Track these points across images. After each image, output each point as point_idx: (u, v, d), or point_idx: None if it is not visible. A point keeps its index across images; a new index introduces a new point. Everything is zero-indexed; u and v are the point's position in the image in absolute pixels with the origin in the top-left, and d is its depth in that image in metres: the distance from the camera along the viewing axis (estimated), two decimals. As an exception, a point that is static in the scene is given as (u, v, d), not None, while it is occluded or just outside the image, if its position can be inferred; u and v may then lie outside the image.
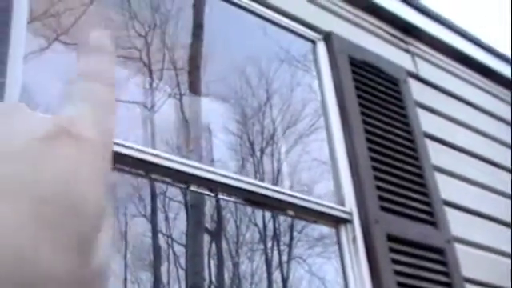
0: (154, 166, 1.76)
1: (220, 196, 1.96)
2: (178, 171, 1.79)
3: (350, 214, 2.09)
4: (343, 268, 2.02)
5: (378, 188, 2.18)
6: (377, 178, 2.20)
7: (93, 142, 0.26)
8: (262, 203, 2.04)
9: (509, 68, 3.33)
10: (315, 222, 2.16)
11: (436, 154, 2.50)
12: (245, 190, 1.91)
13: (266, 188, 1.97)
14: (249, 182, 1.94)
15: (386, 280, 1.98)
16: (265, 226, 6.93)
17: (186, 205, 6.87)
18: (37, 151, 0.24)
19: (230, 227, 7.19)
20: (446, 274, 2.14)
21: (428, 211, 2.26)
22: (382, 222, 2.10)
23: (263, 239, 6.80)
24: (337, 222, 2.09)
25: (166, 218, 6.54)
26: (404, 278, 2.02)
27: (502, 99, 3.30)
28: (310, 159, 2.58)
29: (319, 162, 2.38)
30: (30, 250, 0.23)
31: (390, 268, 2.01)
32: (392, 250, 2.06)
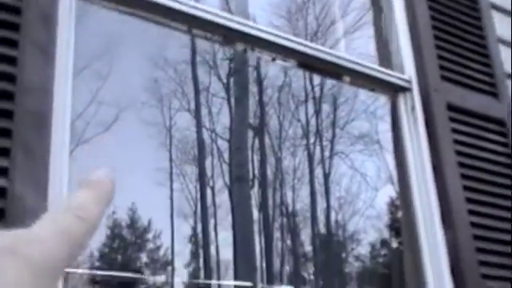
0: (197, 21, 1.67)
1: (276, 60, 1.89)
2: (223, 27, 1.70)
3: (410, 82, 2.01)
4: (401, 137, 1.98)
5: (439, 57, 2.08)
6: (438, 47, 2.10)
7: (37, 263, 0.27)
8: (316, 67, 1.97)
9: None
10: (373, 89, 2.10)
11: (501, 26, 2.36)
12: (300, 52, 1.84)
13: (322, 51, 1.90)
14: (304, 44, 1.87)
15: (444, 148, 1.93)
16: (308, 122, 6.88)
17: (228, 100, 6.86)
18: None
19: (273, 123, 7.15)
20: (505, 144, 2.07)
21: (490, 82, 2.16)
22: (442, 91, 2.02)
23: (306, 134, 6.78)
24: (395, 90, 2.02)
25: (210, 113, 6.57)
26: (463, 147, 1.97)
27: None
28: (365, 24, 2.46)
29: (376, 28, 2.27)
30: None
31: (449, 137, 1.96)
32: (452, 120, 1.99)
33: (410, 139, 1.95)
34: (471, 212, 1.87)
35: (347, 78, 1.99)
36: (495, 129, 2.08)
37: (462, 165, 1.93)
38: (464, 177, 1.92)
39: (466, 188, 1.90)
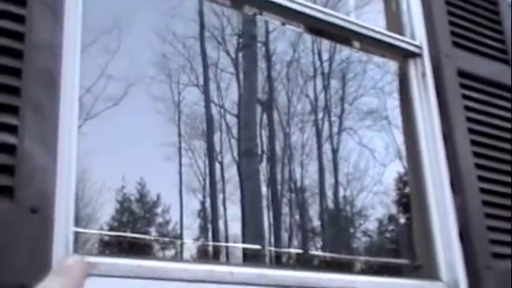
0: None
1: (287, 25, 1.87)
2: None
3: (420, 48, 1.99)
4: (411, 103, 1.96)
5: (451, 23, 2.06)
6: (450, 13, 2.07)
7: None
8: (326, 32, 1.95)
9: None
10: (383, 55, 2.08)
11: (513, -7, 2.33)
12: (310, 16, 1.82)
13: (332, 15, 1.87)
14: (314, 8, 1.85)
15: (455, 114, 1.91)
16: (316, 98, 6.84)
17: (237, 75, 6.79)
18: None
19: (282, 99, 7.10)
20: (517, 112, 2.05)
21: (502, 49, 2.14)
22: (453, 57, 2.00)
23: (314, 110, 6.73)
24: (405, 56, 2.00)
25: (218, 88, 6.53)
26: (474, 114, 1.95)
27: None
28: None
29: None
30: None
31: (460, 103, 1.94)
32: (462, 86, 1.97)
33: (421, 105, 1.94)
34: (481, 178, 1.87)
35: (357, 44, 1.97)
36: (506, 95, 2.06)
37: (472, 131, 1.92)
38: (474, 143, 1.91)
39: (475, 154, 1.89)
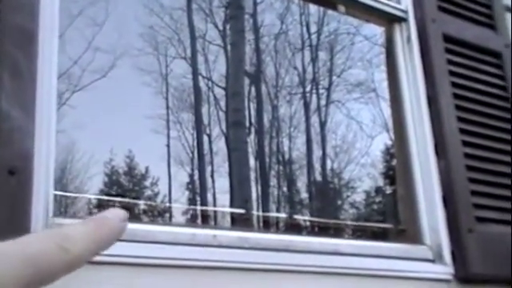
0: None
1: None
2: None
3: (406, 12, 1.97)
4: (396, 68, 1.95)
5: (437, -13, 2.04)
6: (435, -23, 2.05)
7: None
8: (312, -4, 1.92)
9: None
10: (368, 20, 2.06)
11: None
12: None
13: (317, -21, 1.85)
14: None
15: (439, 79, 1.91)
16: (304, 70, 6.76)
17: (225, 47, 6.67)
18: None
19: (270, 71, 7.01)
20: (501, 77, 2.05)
21: (488, 14, 2.12)
22: (438, 22, 1.98)
23: (302, 82, 6.68)
24: (391, 20, 1.99)
25: (206, 61, 6.43)
26: (459, 79, 1.95)
27: None
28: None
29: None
30: None
31: (445, 68, 1.93)
32: (448, 51, 1.96)
33: (406, 70, 1.93)
34: (465, 143, 1.87)
35: (342, 8, 1.95)
36: (492, 61, 2.06)
37: (457, 96, 1.92)
38: (459, 108, 1.90)
39: (460, 119, 1.89)
